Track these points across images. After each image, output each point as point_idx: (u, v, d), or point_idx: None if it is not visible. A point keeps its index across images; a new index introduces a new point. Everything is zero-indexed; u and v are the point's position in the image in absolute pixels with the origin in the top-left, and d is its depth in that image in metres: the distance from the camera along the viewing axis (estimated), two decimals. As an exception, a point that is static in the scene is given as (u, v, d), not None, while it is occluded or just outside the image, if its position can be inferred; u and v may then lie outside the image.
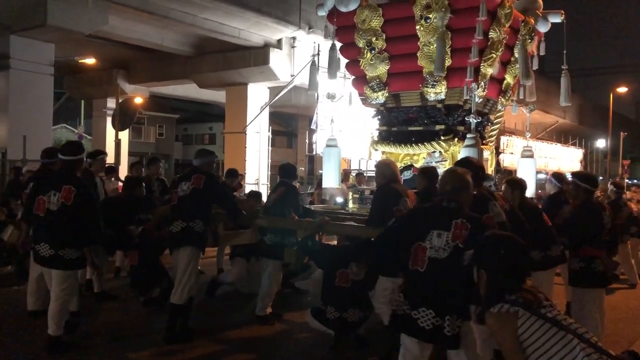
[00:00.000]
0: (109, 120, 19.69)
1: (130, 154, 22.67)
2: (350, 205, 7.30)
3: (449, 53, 6.61)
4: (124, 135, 18.92)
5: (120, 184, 9.04)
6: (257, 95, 18.19)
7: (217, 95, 21.60)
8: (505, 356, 2.29)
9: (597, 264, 4.80)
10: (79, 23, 12.53)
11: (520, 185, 5.71)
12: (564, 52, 7.69)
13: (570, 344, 2.17)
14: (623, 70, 58.59)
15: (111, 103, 19.93)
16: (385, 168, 5.30)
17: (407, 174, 6.81)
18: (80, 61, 17.65)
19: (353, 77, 7.79)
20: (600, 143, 36.39)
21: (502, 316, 2.27)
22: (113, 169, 10.48)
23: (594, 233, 4.85)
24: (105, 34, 15.31)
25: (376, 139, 7.75)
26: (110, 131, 18.58)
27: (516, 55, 7.30)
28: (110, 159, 12.10)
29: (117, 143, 15.73)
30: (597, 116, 38.84)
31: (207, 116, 39.09)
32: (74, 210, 4.71)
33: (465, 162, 4.68)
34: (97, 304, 6.46)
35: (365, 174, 12.67)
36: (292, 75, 16.76)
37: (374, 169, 5.81)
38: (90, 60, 17.63)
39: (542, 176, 24.83)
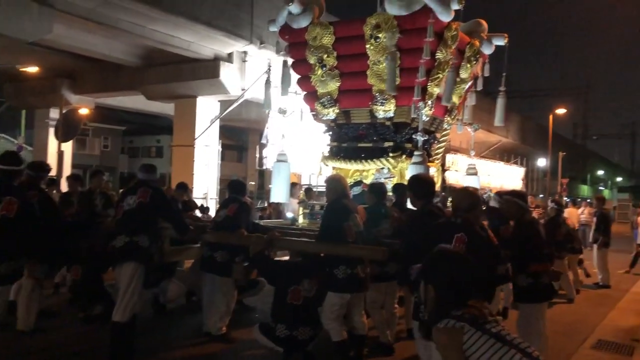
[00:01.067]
0: (51, 131, 19.03)
1: (73, 166, 21.96)
2: (300, 220, 7.29)
3: (397, 72, 6.75)
4: (68, 146, 18.35)
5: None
6: (207, 108, 18.00)
7: (166, 108, 21.26)
8: None
9: (544, 277, 4.94)
10: (21, 30, 12.07)
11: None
12: (504, 74, 8.00)
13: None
14: (562, 93, 61.14)
15: (54, 113, 19.29)
16: (335, 183, 5.33)
17: (357, 190, 6.86)
18: (21, 69, 17.03)
19: (304, 93, 7.84)
20: (541, 162, 37.82)
21: (447, 331, 2.27)
22: (54, 182, 10.13)
23: (535, 247, 4.99)
24: (50, 43, 14.84)
25: (327, 154, 7.81)
26: (52, 142, 17.98)
27: (462, 76, 7.53)
28: (52, 171, 11.68)
29: (60, 155, 15.23)
30: (538, 136, 40.35)
31: (155, 128, 38.38)
32: (16, 223, 4.53)
33: (416, 179, 4.83)
34: (34, 322, 6.19)
35: (315, 189, 12.70)
36: (243, 89, 16.69)
37: (324, 184, 5.86)
38: (33, 69, 17.03)
39: (485, 193, 25.60)
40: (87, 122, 24.15)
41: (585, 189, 60.48)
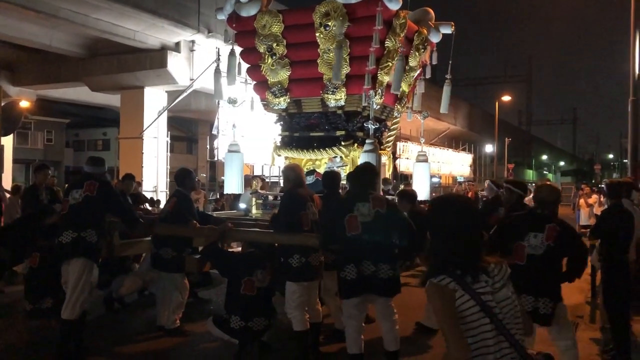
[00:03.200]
0: (-11, 124, 18.20)
1: (15, 161, 21.12)
2: (254, 211, 7.25)
3: (347, 61, 6.77)
4: (8, 141, 17.56)
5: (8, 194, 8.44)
6: (155, 99, 17.61)
7: (112, 99, 20.68)
8: (440, 327, 2.16)
9: None
10: (-47, 19, 11.53)
11: (409, 195, 6.42)
12: (450, 62, 8.16)
13: (496, 339, 2.10)
14: (507, 81, 62.93)
15: (-8, 106, 18.44)
16: (290, 172, 5.31)
17: (310, 179, 6.89)
18: (-45, 60, 16.21)
19: (254, 82, 7.77)
20: (488, 148, 38.88)
21: (436, 288, 2.13)
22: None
23: None
24: (-15, 32, 14.21)
25: (279, 144, 7.77)
26: (-9, 137, 17.16)
27: (411, 64, 7.62)
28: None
29: (0, 149, 14.57)
30: (485, 123, 41.44)
31: (101, 121, 37.30)
32: None
33: (363, 168, 4.95)
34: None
35: (268, 180, 12.65)
36: (191, 79, 16.40)
37: (281, 173, 5.85)
38: (-33, 60, 16.23)
39: (435, 179, 26.15)
40: (28, 115, 23.18)
41: (530, 174, 62.54)
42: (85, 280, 4.92)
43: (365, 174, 4.80)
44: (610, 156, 79.90)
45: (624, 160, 41.05)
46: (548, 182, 4.86)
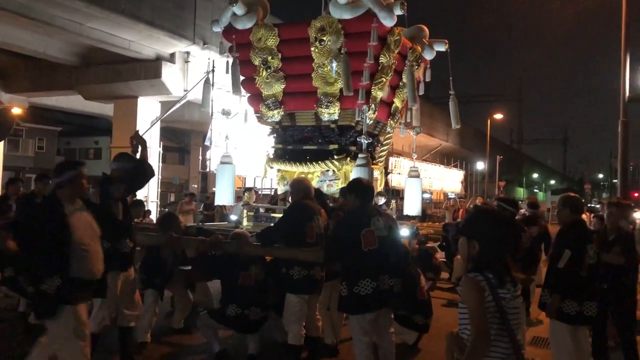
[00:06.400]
0: (-20, 131, 18.08)
1: (5, 168, 20.95)
2: (245, 223, 7.23)
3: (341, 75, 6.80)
4: (-2, 147, 17.49)
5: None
6: (148, 109, 17.58)
7: (105, 108, 20.63)
8: (469, 315, 2.51)
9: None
10: (-53, 25, 11.47)
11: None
12: (450, 78, 8.18)
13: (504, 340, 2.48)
14: (499, 99, 63.47)
15: (-16, 113, 18.33)
16: (300, 184, 5.34)
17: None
18: (-52, 66, 16.12)
19: (249, 94, 7.79)
20: (479, 165, 39.04)
21: (473, 282, 2.52)
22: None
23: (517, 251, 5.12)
24: (-21, 39, 14.16)
25: (271, 156, 7.78)
26: (-19, 143, 17.07)
27: (404, 80, 7.67)
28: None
29: (-10, 156, 14.49)
30: (477, 140, 41.67)
31: (93, 129, 37.16)
32: None
33: (356, 182, 4.90)
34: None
35: (259, 192, 12.63)
36: (185, 90, 16.41)
37: (289, 187, 5.86)
38: (-40, 66, 16.14)
39: (427, 195, 26.21)
40: (20, 123, 23.09)
41: (521, 192, 62.78)
42: None
43: (371, 190, 4.79)
44: (601, 176, 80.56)
45: (614, 181, 41.35)
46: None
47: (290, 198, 5.58)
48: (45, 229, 3.59)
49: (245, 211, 7.40)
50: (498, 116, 37.95)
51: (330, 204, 6.34)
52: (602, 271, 4.91)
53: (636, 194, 16.63)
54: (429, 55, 8.09)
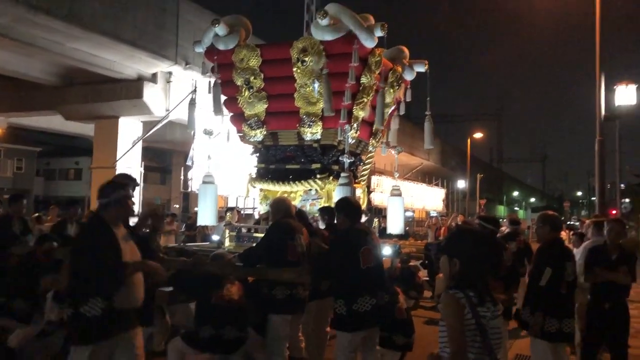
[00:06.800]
0: (-42, 151, 17.85)
1: (-18, 188, 20.66)
2: (227, 243, 7.20)
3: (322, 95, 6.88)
4: (-24, 168, 17.25)
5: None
6: (129, 129, 17.50)
7: (85, 128, 20.45)
8: (447, 331, 2.51)
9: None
10: None
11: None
12: (428, 98, 8.34)
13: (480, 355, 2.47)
14: (479, 118, 64.33)
15: (-39, 133, 18.13)
16: (281, 204, 5.32)
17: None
18: None
19: (231, 114, 7.82)
20: (460, 184, 39.40)
21: (452, 299, 2.52)
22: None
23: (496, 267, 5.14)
24: (-42, 58, 14.04)
25: (254, 176, 7.79)
26: (-42, 164, 16.83)
27: (386, 100, 7.77)
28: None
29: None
30: (457, 159, 42.08)
31: (73, 150, 36.80)
32: None
33: (344, 202, 4.92)
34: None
35: (242, 211, 12.58)
36: (167, 110, 16.39)
37: (269, 207, 5.83)
38: (-63, 86, 15.96)
39: (409, 214, 26.33)
40: (-2, 143, 22.82)
41: (502, 209, 63.35)
42: None
43: (359, 208, 4.82)
44: (579, 194, 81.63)
45: (592, 198, 41.93)
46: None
47: (271, 218, 5.55)
48: (97, 251, 3.41)
49: (227, 231, 7.36)
50: (478, 135, 38.45)
51: (313, 223, 6.34)
52: (604, 290, 4.91)
53: (614, 211, 16.88)
54: (409, 76, 8.21)
